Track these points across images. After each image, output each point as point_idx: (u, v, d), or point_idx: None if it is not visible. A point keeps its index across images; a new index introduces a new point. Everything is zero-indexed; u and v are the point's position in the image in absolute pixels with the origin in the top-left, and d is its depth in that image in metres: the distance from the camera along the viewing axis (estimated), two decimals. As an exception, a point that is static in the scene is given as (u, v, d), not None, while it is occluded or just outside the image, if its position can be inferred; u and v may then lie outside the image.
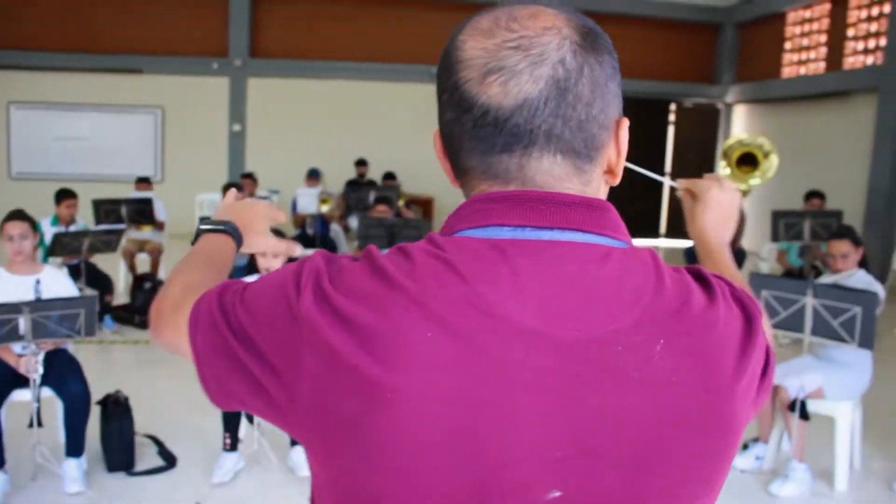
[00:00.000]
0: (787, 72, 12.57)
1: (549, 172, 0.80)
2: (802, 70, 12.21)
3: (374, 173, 11.71)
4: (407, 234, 6.76)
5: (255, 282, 0.85)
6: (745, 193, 9.82)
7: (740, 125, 13.88)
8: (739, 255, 8.97)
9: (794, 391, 4.03)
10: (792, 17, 12.44)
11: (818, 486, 4.09)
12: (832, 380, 4.13)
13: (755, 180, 10.16)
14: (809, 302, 3.87)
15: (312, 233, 8.89)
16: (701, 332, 0.77)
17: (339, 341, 0.74)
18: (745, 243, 10.13)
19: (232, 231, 1.13)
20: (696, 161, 14.54)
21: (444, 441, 0.72)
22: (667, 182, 1.36)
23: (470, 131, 0.79)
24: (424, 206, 12.69)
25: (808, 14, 12.07)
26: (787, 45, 12.56)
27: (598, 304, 0.75)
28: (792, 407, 4.02)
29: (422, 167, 13.14)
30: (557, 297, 0.75)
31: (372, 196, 9.13)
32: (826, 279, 4.47)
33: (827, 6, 11.61)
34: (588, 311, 0.75)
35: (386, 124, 13.28)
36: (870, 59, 10.77)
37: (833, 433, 4.13)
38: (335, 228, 9.59)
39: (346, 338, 0.74)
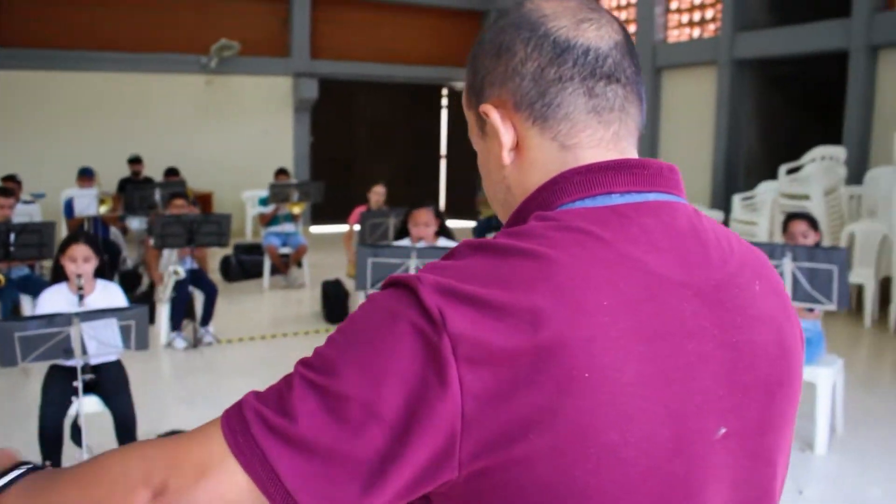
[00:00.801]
0: (550, 56, 13.44)
1: (635, 118, 0.86)
2: (563, 54, 13.12)
3: (149, 170, 10.99)
4: (207, 229, 6.44)
5: (325, 350, 0.72)
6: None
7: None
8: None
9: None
10: (550, 4, 13.30)
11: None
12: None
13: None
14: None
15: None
16: (771, 273, 0.88)
17: (514, 339, 0.68)
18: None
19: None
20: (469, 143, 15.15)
21: (646, 405, 0.71)
22: None
23: (571, 70, 0.81)
24: (204, 201, 12.14)
25: (564, 2, 12.97)
26: (548, 31, 13.43)
27: (712, 252, 0.81)
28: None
29: (199, 162, 12.56)
30: (683, 249, 0.79)
31: (157, 194, 8.59)
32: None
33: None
34: (708, 258, 0.80)
35: (158, 119, 12.51)
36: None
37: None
38: (114, 231, 8.93)
39: (522, 333, 0.68)
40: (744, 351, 0.79)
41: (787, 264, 4.04)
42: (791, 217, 4.60)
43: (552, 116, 0.82)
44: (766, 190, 8.53)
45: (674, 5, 10.75)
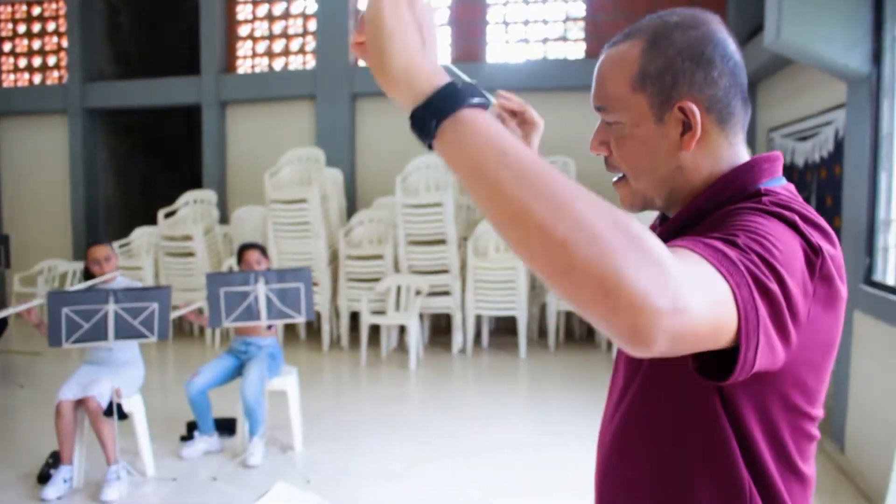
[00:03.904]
0: None
1: None
2: None
3: None
4: None
5: (775, 251, 0.90)
6: None
7: None
8: None
9: (106, 398, 4.20)
10: None
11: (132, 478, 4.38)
12: (124, 379, 4.44)
13: None
14: (111, 308, 4.08)
15: None
16: None
17: (836, 250, 0.99)
18: None
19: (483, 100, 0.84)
20: None
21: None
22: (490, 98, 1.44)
23: (740, 86, 1.09)
24: None
25: None
26: None
27: None
28: (108, 412, 4.18)
29: None
30: None
31: None
32: (80, 286, 4.62)
33: None
34: None
35: None
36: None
37: (134, 428, 4.47)
38: None
39: (836, 247, 0.99)
40: None
41: (261, 288, 4.53)
42: (244, 248, 5.06)
43: (729, 121, 1.09)
44: (142, 234, 8.80)
45: (7, 47, 10.11)
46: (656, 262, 0.72)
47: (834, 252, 0.99)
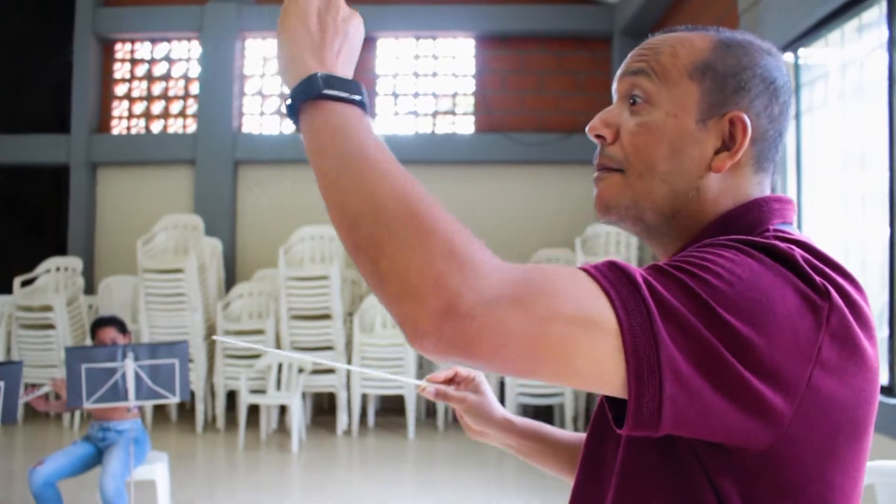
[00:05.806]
0: None
1: None
2: None
3: None
4: None
5: (724, 277, 0.73)
6: None
7: None
8: None
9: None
10: None
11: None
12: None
13: None
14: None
15: None
16: None
17: (861, 332, 0.77)
18: None
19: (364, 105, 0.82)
20: None
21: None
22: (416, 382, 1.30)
23: (780, 147, 0.94)
24: None
25: None
26: None
27: None
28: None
29: None
30: None
31: None
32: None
33: None
34: None
35: None
36: None
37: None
38: None
39: (863, 329, 0.78)
40: None
41: (129, 364, 4.04)
42: (98, 324, 4.54)
43: (766, 168, 0.93)
44: (-5, 304, 8.01)
45: None
46: (454, 253, 0.68)
47: (858, 299, 0.79)
